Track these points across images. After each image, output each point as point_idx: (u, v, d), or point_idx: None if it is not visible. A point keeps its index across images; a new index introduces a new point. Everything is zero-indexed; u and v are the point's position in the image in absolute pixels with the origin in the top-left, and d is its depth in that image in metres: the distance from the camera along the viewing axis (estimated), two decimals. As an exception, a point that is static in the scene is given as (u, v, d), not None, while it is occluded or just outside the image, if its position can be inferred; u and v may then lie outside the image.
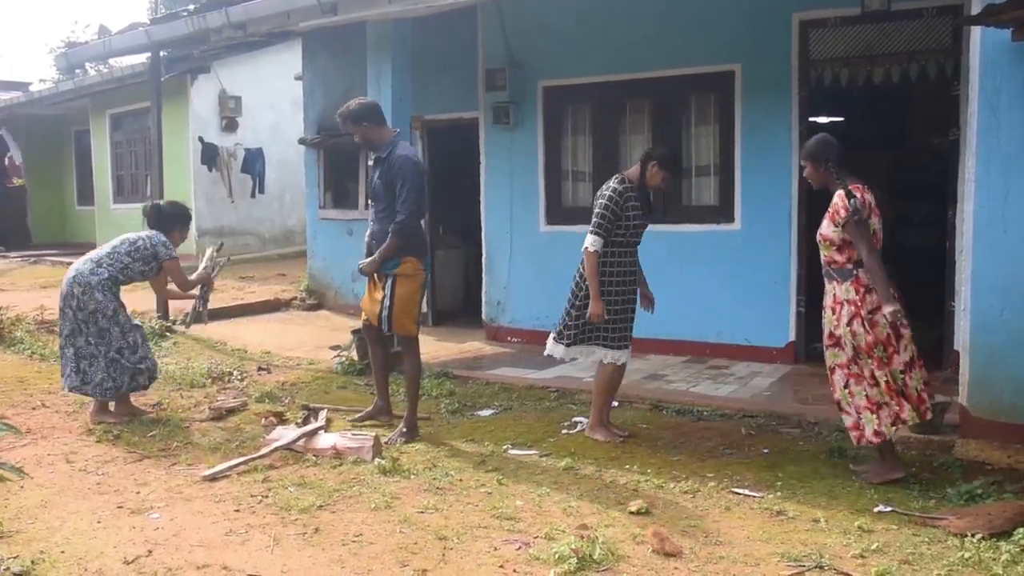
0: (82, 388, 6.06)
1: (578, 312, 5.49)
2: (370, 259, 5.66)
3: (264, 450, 5.26)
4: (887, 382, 4.61)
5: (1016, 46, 4.94)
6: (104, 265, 6.07)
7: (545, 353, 5.72)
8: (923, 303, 8.01)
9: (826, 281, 4.79)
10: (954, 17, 6.72)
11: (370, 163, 6.06)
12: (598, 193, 5.51)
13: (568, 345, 5.55)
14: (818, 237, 4.79)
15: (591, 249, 5.35)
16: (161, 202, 6.85)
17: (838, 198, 4.65)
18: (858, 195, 4.58)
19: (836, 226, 4.62)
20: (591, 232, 5.37)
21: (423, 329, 9.38)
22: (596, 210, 5.39)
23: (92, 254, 6.24)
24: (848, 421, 4.76)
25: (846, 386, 4.71)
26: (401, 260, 5.61)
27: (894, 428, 4.69)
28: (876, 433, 4.64)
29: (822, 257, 4.78)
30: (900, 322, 4.55)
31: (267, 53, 14.38)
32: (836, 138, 4.88)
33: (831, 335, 4.73)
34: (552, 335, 5.67)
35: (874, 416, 4.63)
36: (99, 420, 6.04)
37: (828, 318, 4.74)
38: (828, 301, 4.76)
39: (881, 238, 4.69)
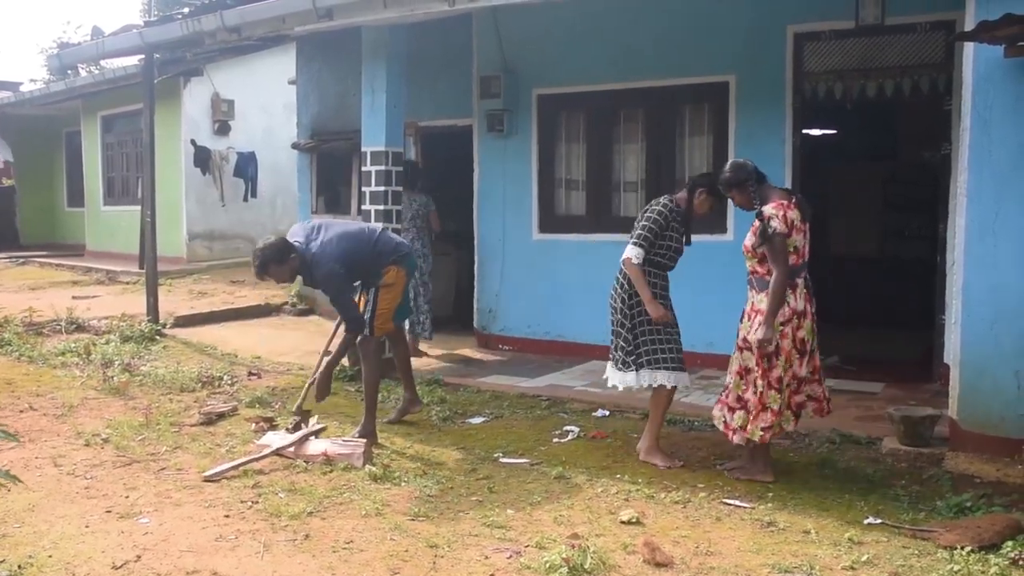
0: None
1: (635, 334, 5.30)
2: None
3: (266, 451, 5.27)
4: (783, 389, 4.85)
5: (1009, 63, 4.97)
6: None
7: (609, 384, 5.50)
8: (914, 316, 8.08)
9: (748, 289, 5.02)
10: (947, 33, 6.76)
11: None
12: (646, 208, 5.41)
13: (637, 370, 5.29)
14: (742, 248, 5.00)
15: (634, 260, 5.21)
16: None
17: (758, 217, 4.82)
18: (780, 213, 4.74)
19: (760, 242, 4.82)
20: (633, 244, 5.24)
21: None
22: (642, 223, 5.29)
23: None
24: (736, 420, 4.94)
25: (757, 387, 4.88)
26: (383, 271, 5.79)
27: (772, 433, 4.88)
28: (764, 430, 4.84)
29: (747, 266, 5.01)
30: (799, 339, 4.82)
31: (261, 57, 14.34)
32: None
33: (745, 339, 4.94)
34: (610, 364, 5.48)
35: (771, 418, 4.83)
36: None
37: (744, 324, 4.99)
38: (747, 308, 5.00)
39: (805, 252, 4.88)
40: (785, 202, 4.82)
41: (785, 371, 4.82)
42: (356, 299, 5.83)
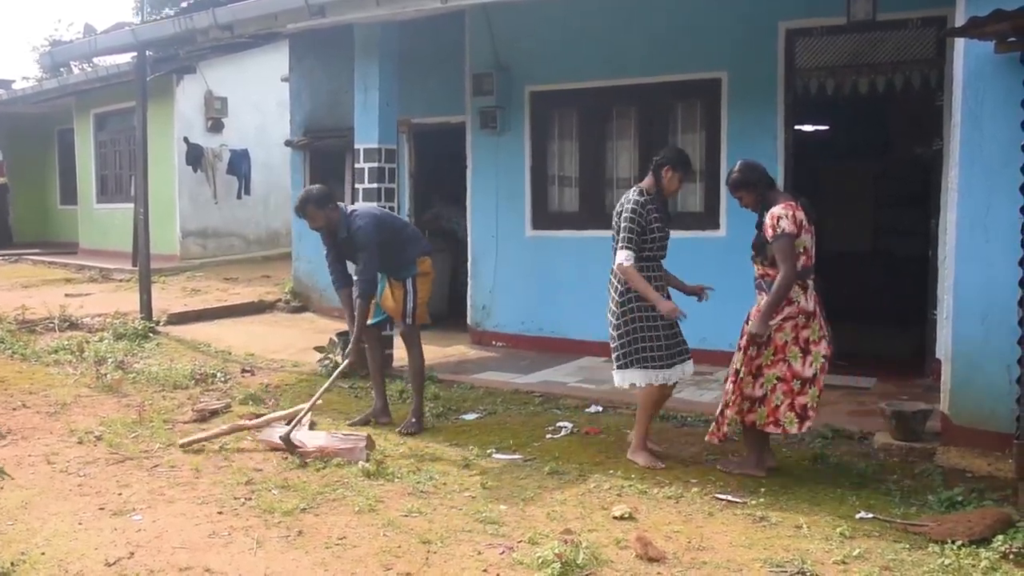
0: None
1: (620, 333, 5.21)
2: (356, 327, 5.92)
3: (250, 423, 5.44)
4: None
5: (999, 58, 4.99)
6: None
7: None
8: (906, 311, 8.10)
9: (756, 292, 4.96)
10: (938, 28, 6.78)
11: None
12: (617, 208, 5.25)
13: (622, 368, 5.23)
14: (752, 250, 4.95)
15: (626, 264, 5.06)
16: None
17: (769, 217, 4.77)
18: (789, 213, 4.72)
19: (768, 242, 4.76)
20: (623, 248, 5.08)
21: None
22: (623, 224, 5.11)
23: None
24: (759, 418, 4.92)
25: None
26: (418, 260, 6.02)
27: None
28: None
29: (755, 270, 4.96)
30: (803, 338, 4.83)
31: (254, 54, 14.31)
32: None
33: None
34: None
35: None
36: None
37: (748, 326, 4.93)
38: (752, 310, 4.94)
39: (812, 254, 4.84)
40: (793, 203, 4.80)
41: (784, 368, 4.83)
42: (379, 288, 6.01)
